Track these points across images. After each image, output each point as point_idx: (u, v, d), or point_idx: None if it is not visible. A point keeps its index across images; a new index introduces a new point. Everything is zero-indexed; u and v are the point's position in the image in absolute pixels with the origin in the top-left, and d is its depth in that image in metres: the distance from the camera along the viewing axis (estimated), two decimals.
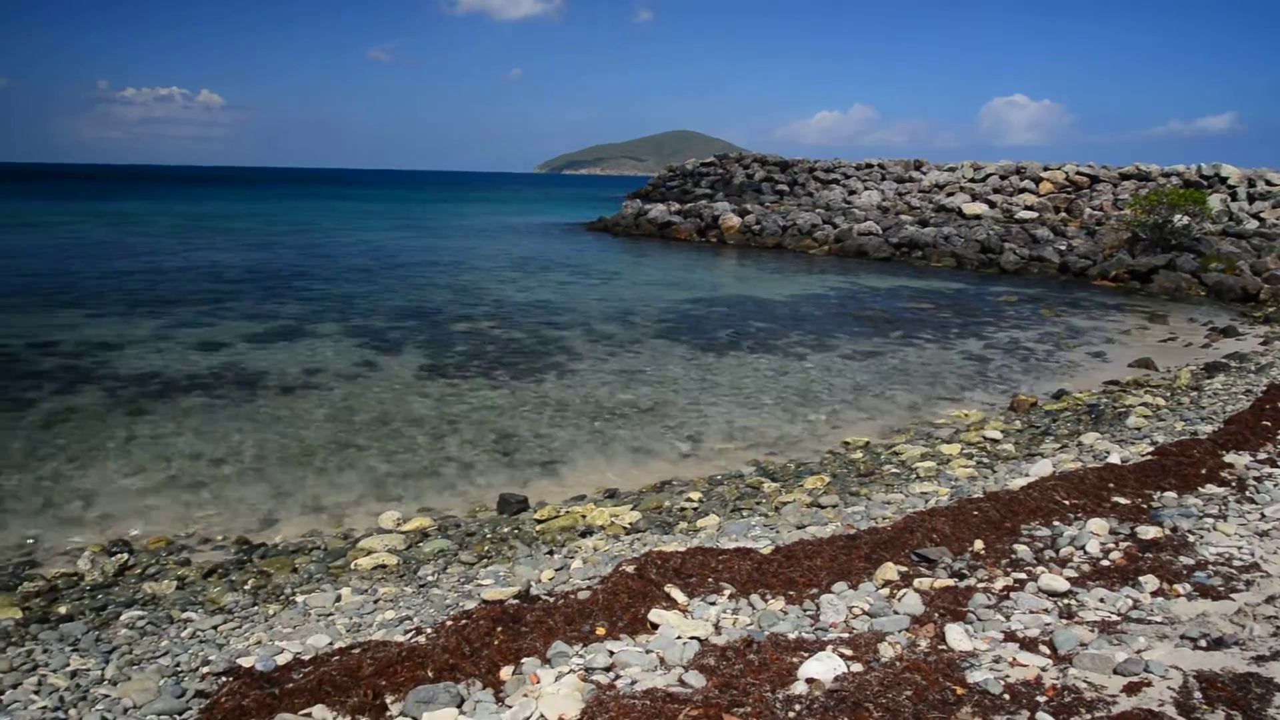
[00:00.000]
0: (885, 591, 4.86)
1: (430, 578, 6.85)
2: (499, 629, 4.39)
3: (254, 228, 44.48)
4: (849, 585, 5.00)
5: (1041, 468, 7.88)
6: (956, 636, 4.04)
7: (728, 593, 4.91)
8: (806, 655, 3.80)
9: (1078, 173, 40.78)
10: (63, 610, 6.37)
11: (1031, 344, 18.01)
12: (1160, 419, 10.86)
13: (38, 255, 28.78)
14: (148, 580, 6.99)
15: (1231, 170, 36.68)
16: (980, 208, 39.71)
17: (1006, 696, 3.42)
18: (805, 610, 4.69)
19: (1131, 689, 3.45)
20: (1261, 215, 33.94)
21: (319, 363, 14.43)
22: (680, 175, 56.16)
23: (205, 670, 4.86)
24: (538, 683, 3.83)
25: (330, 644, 5.09)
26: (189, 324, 17.38)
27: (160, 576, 7.08)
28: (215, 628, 5.86)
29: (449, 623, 4.57)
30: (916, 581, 4.93)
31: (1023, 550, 5.42)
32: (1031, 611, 4.42)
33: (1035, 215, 37.75)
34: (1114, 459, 7.84)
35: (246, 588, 6.83)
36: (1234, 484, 6.66)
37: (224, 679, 4.53)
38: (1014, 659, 3.79)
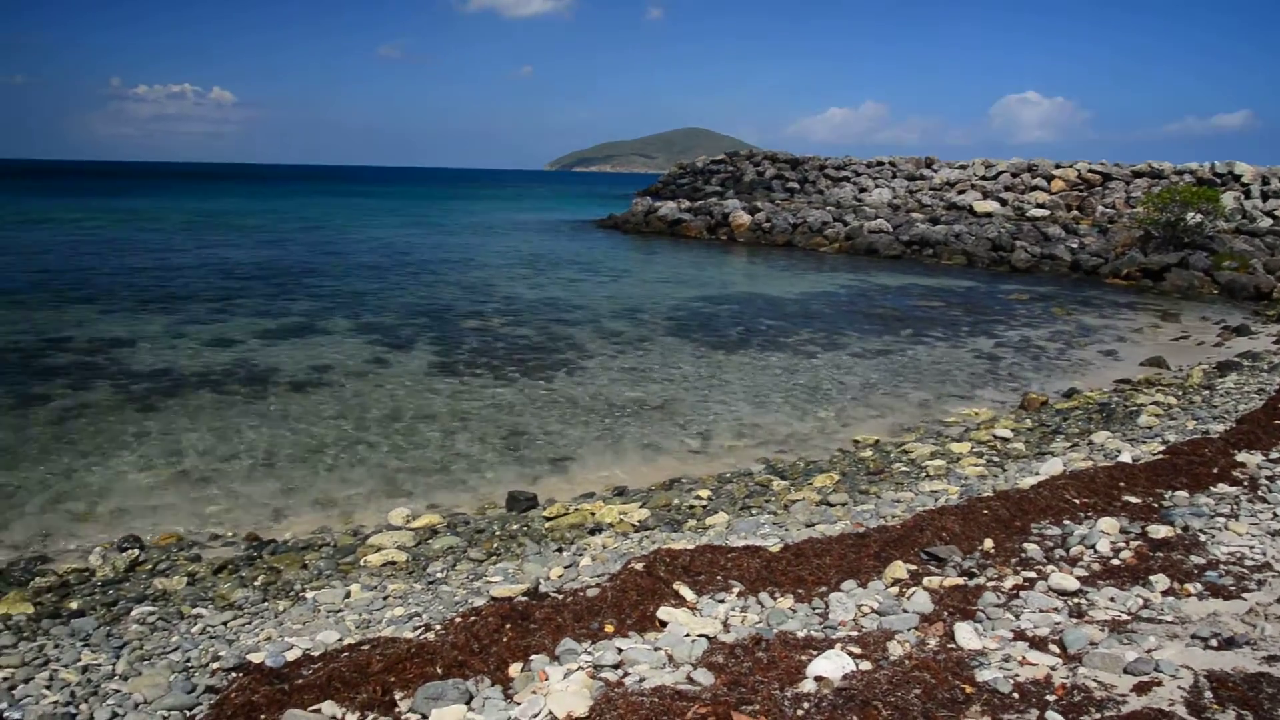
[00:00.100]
0: (894, 590, 4.85)
1: (439, 574, 6.86)
2: (508, 626, 4.40)
3: (265, 224, 44.62)
4: (858, 583, 4.99)
5: (1052, 466, 7.85)
6: (966, 635, 4.02)
7: (736, 590, 4.91)
8: (815, 653, 3.80)
9: (1090, 170, 40.62)
10: (74, 605, 6.41)
11: (1042, 342, 17.95)
12: (1172, 418, 10.80)
13: (51, 251, 28.92)
14: (158, 576, 7.02)
15: (1245, 168, 36.48)
16: (992, 205, 39.60)
17: (1016, 695, 3.41)
18: (814, 608, 4.68)
19: (1142, 688, 3.43)
20: (1275, 213, 33.76)
21: (329, 359, 14.47)
22: (690, 173, 56.15)
23: (215, 666, 4.88)
24: (546, 680, 3.83)
25: (340, 640, 5.11)
26: (200, 320, 17.44)
27: (171, 572, 7.12)
28: (225, 624, 5.88)
29: (458, 619, 4.58)
30: (926, 580, 4.92)
31: (1033, 549, 5.40)
32: (1041, 610, 4.41)
33: (1047, 213, 37.62)
34: (1125, 458, 7.81)
35: (256, 584, 6.85)
36: (1246, 483, 6.62)
37: (234, 675, 4.54)
38: (1023, 658, 3.78)
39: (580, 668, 3.92)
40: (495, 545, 7.65)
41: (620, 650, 4.08)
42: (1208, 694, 3.36)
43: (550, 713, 3.41)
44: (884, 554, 5.36)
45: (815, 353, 16.29)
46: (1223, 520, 5.69)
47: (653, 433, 11.19)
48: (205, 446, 10.10)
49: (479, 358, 14.98)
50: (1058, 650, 3.86)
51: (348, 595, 6.36)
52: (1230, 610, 4.23)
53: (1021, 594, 4.64)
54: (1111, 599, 4.51)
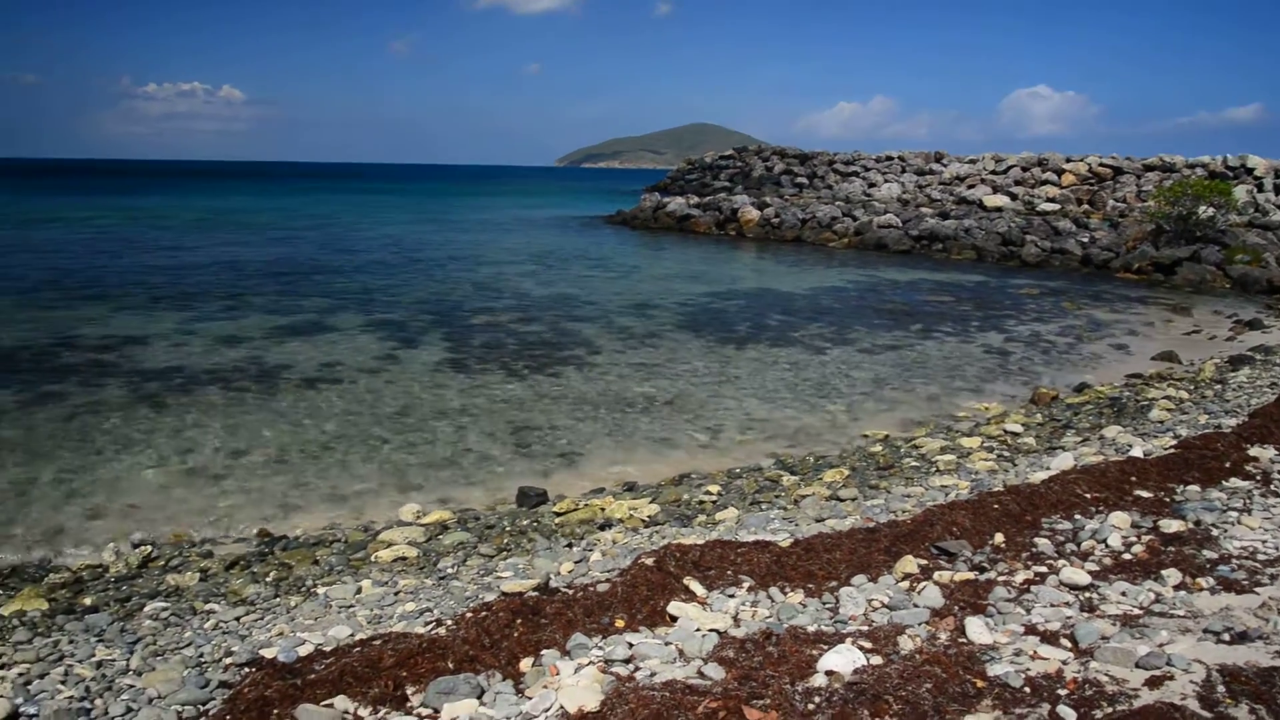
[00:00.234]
0: (905, 584, 4.85)
1: (450, 570, 6.88)
2: (518, 621, 4.41)
3: (275, 222, 44.72)
4: (868, 578, 4.99)
5: (1063, 461, 7.83)
6: (976, 629, 4.02)
7: (746, 585, 4.91)
8: (826, 648, 3.80)
9: (1101, 164, 40.46)
10: (88, 601, 6.45)
11: (1053, 337, 17.88)
12: (1183, 412, 10.76)
13: (62, 250, 29.06)
14: (171, 572, 7.06)
15: (1258, 161, 36.28)
16: (1001, 200, 39.47)
17: (1027, 689, 3.41)
18: (824, 603, 4.69)
19: (1153, 682, 3.43)
20: None
21: (340, 356, 14.51)
22: (699, 168, 56.12)
23: (228, 661, 4.90)
24: (557, 674, 3.84)
25: (351, 635, 5.13)
26: (212, 318, 17.51)
27: (183, 568, 7.16)
28: (238, 619, 5.91)
29: (469, 614, 4.60)
30: (936, 575, 4.91)
31: (1044, 543, 5.39)
32: (1052, 605, 4.40)
33: (1057, 207, 37.50)
34: (1136, 452, 7.79)
35: (268, 580, 6.88)
36: (1258, 477, 6.59)
37: (247, 670, 4.57)
38: (1035, 652, 3.78)
39: (591, 662, 3.93)
40: (506, 541, 7.66)
41: (631, 645, 4.09)
42: (1220, 688, 3.35)
43: (561, 707, 3.43)
44: (894, 549, 5.35)
45: (825, 348, 16.27)
46: (1235, 514, 5.67)
47: (662, 428, 11.19)
48: (217, 443, 10.15)
49: (489, 353, 15.01)
50: (1069, 644, 3.86)
51: (359, 591, 6.38)
52: (1243, 604, 4.22)
53: (1032, 588, 4.63)
54: (1123, 593, 4.50)
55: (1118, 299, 23.09)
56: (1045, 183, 40.79)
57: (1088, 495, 6.21)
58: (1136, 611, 4.26)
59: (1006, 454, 9.68)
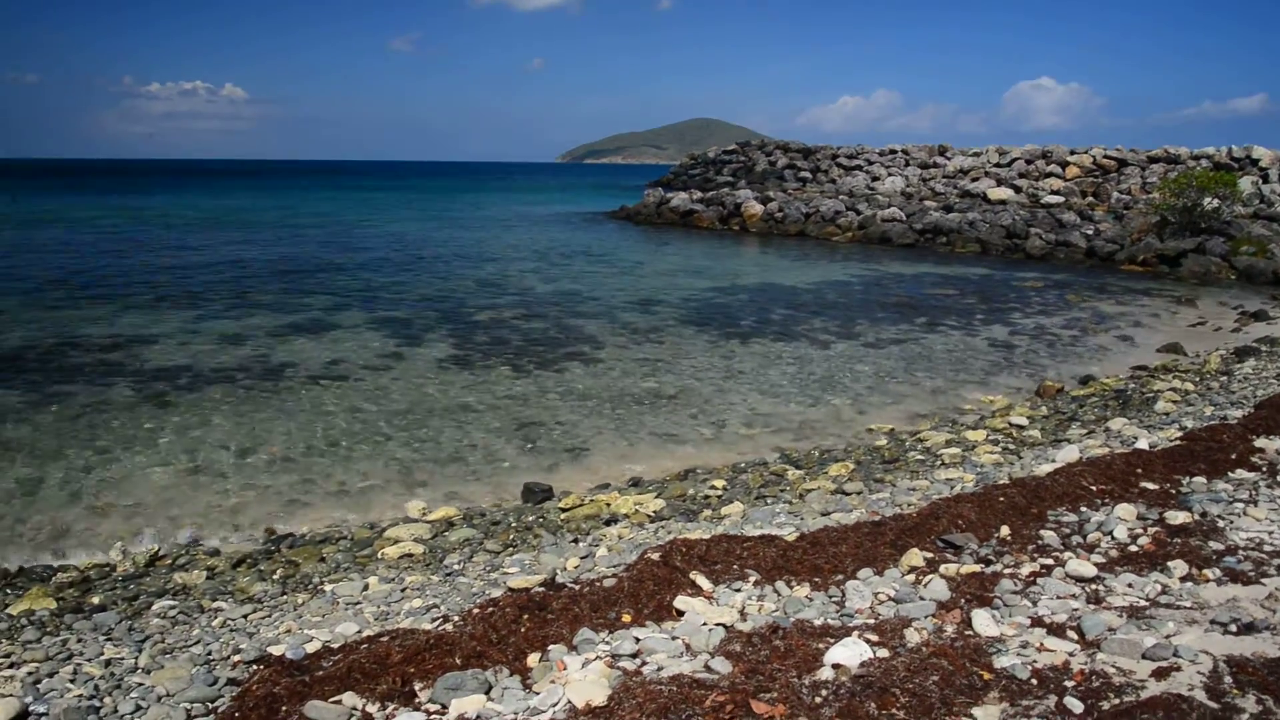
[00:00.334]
0: (911, 578, 4.85)
1: (456, 566, 6.90)
2: (525, 617, 4.42)
3: (278, 220, 44.76)
4: (874, 571, 4.99)
5: (1068, 453, 7.82)
6: (983, 622, 4.02)
7: (753, 579, 4.92)
8: (832, 641, 3.80)
9: (1105, 156, 40.33)
10: (96, 600, 6.47)
11: (1058, 329, 17.86)
12: (1189, 404, 10.74)
13: (66, 250, 29.11)
14: (178, 570, 7.08)
15: (1263, 152, 36.13)
16: (1005, 193, 39.36)
17: (1034, 681, 3.41)
18: (831, 597, 4.69)
19: (1160, 674, 3.43)
20: None
21: (344, 353, 14.53)
22: (702, 163, 56.02)
23: (236, 658, 4.92)
24: (565, 669, 3.85)
25: (359, 632, 5.14)
26: (217, 317, 17.54)
27: (190, 567, 7.18)
28: (245, 617, 5.93)
29: (476, 611, 4.61)
30: (943, 567, 4.91)
31: (1050, 536, 5.38)
32: (1059, 597, 4.40)
33: (1062, 200, 37.38)
34: (1142, 444, 7.77)
35: (275, 577, 6.90)
36: (1264, 469, 6.58)
37: (255, 667, 4.59)
38: (1041, 644, 3.77)
39: (598, 657, 3.94)
40: (512, 537, 7.68)
41: (638, 639, 4.10)
42: (1227, 679, 3.35)
43: (569, 702, 3.43)
44: (900, 542, 5.35)
45: (829, 342, 16.26)
46: (1241, 506, 5.66)
47: (667, 423, 11.20)
48: (223, 441, 10.17)
49: (493, 350, 15.02)
50: (1076, 636, 3.85)
51: (366, 588, 6.40)
52: (1249, 595, 4.22)
53: (1039, 581, 4.63)
54: (1129, 585, 4.49)
55: (1122, 291, 23.05)
56: (1049, 175, 40.67)
57: (1093, 488, 6.21)
58: (1143, 603, 4.25)
59: (1012, 447, 9.67)
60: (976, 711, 3.20)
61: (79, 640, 5.47)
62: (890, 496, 7.71)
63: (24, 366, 13.24)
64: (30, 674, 4.78)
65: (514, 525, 7.98)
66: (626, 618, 4.48)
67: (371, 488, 9.07)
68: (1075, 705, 3.23)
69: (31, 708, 4.25)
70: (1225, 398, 10.70)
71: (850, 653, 3.65)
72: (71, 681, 4.67)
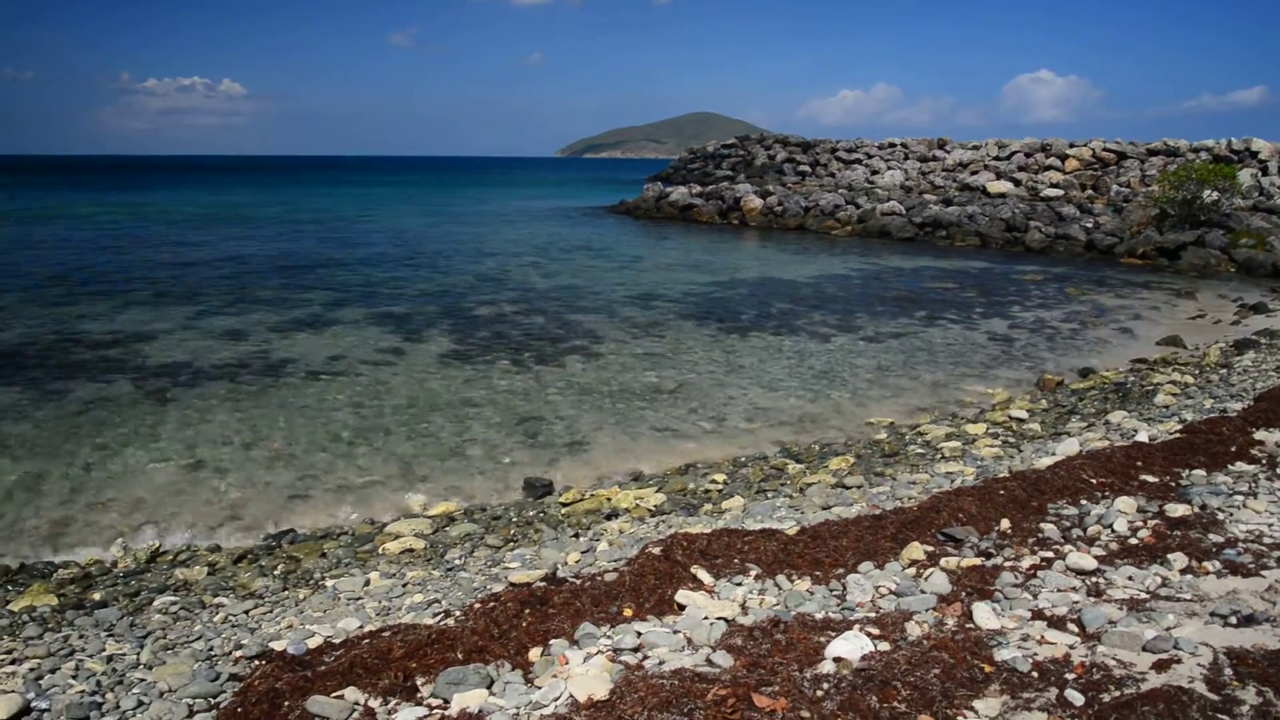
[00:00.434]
0: (912, 571, 4.86)
1: (457, 561, 6.91)
2: (527, 611, 4.43)
3: (277, 216, 44.72)
4: (875, 565, 4.99)
5: (1068, 446, 7.83)
6: (984, 615, 4.03)
7: (754, 573, 4.92)
8: (834, 635, 3.81)
9: (1104, 149, 40.31)
10: (97, 596, 6.48)
11: (1057, 323, 17.86)
12: (1189, 396, 10.75)
13: (65, 246, 29.08)
14: (179, 566, 7.09)
15: (1263, 144, 36.11)
16: (1005, 186, 39.35)
17: (1035, 674, 3.42)
18: (832, 590, 4.69)
19: (1161, 666, 3.43)
20: None
21: (344, 349, 14.53)
22: (701, 157, 56.01)
23: (238, 654, 4.92)
24: (566, 664, 3.85)
25: (360, 627, 5.15)
26: (217, 312, 17.54)
27: (191, 562, 7.18)
28: (247, 612, 5.94)
29: (477, 605, 4.61)
30: (943, 561, 4.92)
31: (1050, 529, 5.39)
32: (1059, 590, 4.40)
33: (1061, 193, 37.37)
34: (1142, 437, 7.78)
35: (276, 573, 6.91)
36: (1264, 461, 6.58)
37: (257, 662, 4.59)
38: (1042, 637, 3.78)
39: (600, 651, 3.94)
40: (513, 532, 7.69)
41: (639, 634, 4.10)
42: (1227, 671, 3.36)
43: (571, 696, 3.44)
44: (901, 535, 5.36)
45: (829, 335, 16.26)
46: (1241, 498, 5.67)
47: (667, 418, 11.20)
48: (224, 437, 10.17)
49: (493, 345, 15.02)
50: (1076, 629, 3.86)
51: (367, 583, 6.40)
52: (1249, 588, 4.22)
53: (1039, 574, 4.63)
54: (1130, 578, 4.50)
55: (1122, 284, 23.04)
56: (1049, 168, 40.65)
57: (1093, 480, 6.21)
58: (1143, 595, 4.26)
59: (1012, 440, 9.68)
60: (977, 704, 3.21)
61: (80, 636, 5.48)
62: (891, 490, 7.71)
63: (24, 363, 13.24)
64: (32, 670, 4.79)
65: (515, 520, 7.99)
66: (628, 612, 4.48)
67: (372, 483, 9.07)
68: (1076, 697, 3.23)
69: (34, 704, 4.26)
70: (1225, 390, 10.70)
71: (851, 646, 3.66)
72: (73, 677, 4.68)
